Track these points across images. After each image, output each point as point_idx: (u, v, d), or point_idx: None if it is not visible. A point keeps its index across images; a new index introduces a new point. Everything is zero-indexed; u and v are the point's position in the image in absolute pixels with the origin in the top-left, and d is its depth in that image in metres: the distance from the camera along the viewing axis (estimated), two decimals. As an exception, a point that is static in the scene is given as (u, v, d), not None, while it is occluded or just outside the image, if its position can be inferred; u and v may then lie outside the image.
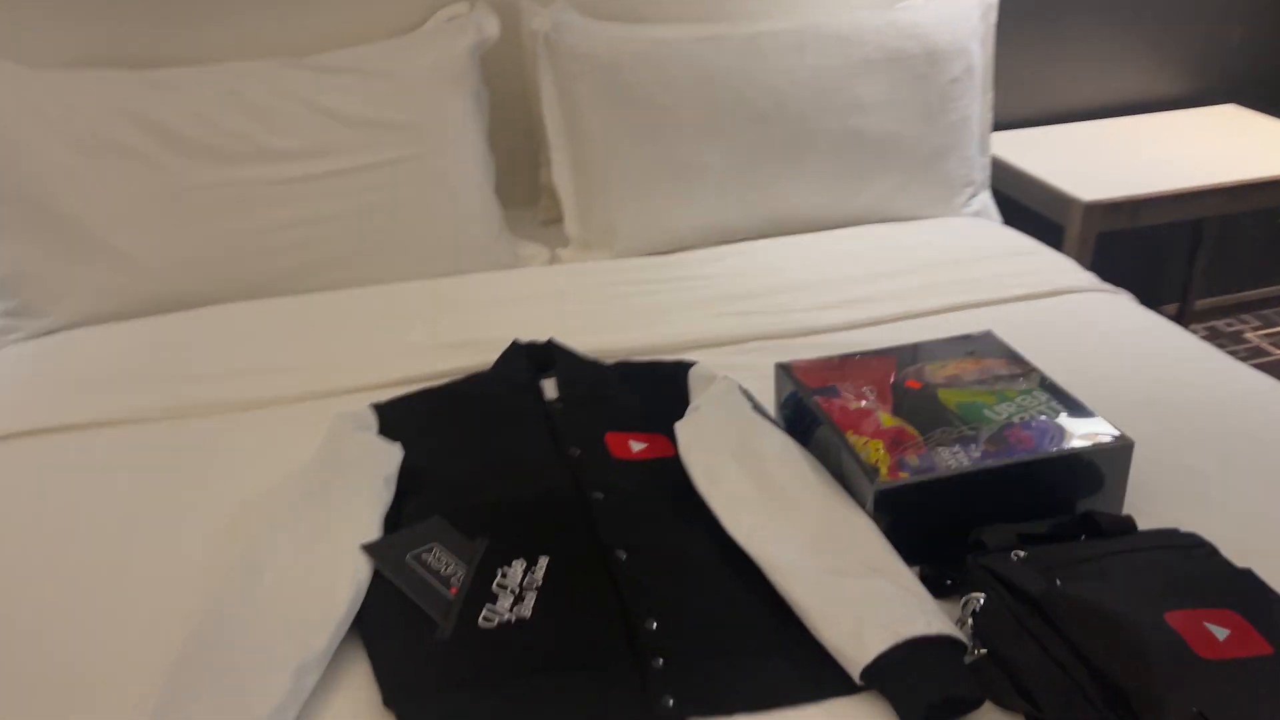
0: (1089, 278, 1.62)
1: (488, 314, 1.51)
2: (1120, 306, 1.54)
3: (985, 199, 1.90)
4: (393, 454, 1.12)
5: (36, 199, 1.49)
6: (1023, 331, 1.45)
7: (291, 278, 1.59)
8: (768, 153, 1.73)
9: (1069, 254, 1.93)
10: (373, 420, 1.21)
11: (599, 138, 1.70)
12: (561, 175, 1.76)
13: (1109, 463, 1.05)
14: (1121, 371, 1.36)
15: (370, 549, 0.98)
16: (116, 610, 0.98)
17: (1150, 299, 2.53)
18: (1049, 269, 1.63)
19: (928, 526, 1.03)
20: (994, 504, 1.03)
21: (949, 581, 0.99)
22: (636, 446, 1.19)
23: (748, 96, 1.70)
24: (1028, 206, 2.06)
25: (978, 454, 1.03)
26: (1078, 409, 1.09)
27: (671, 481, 1.10)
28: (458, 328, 1.47)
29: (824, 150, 1.75)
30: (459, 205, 1.66)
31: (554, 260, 1.77)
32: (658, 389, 1.29)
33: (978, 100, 1.86)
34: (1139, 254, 2.53)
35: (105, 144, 1.50)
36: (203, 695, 0.82)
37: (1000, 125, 2.22)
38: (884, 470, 1.02)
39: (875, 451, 1.04)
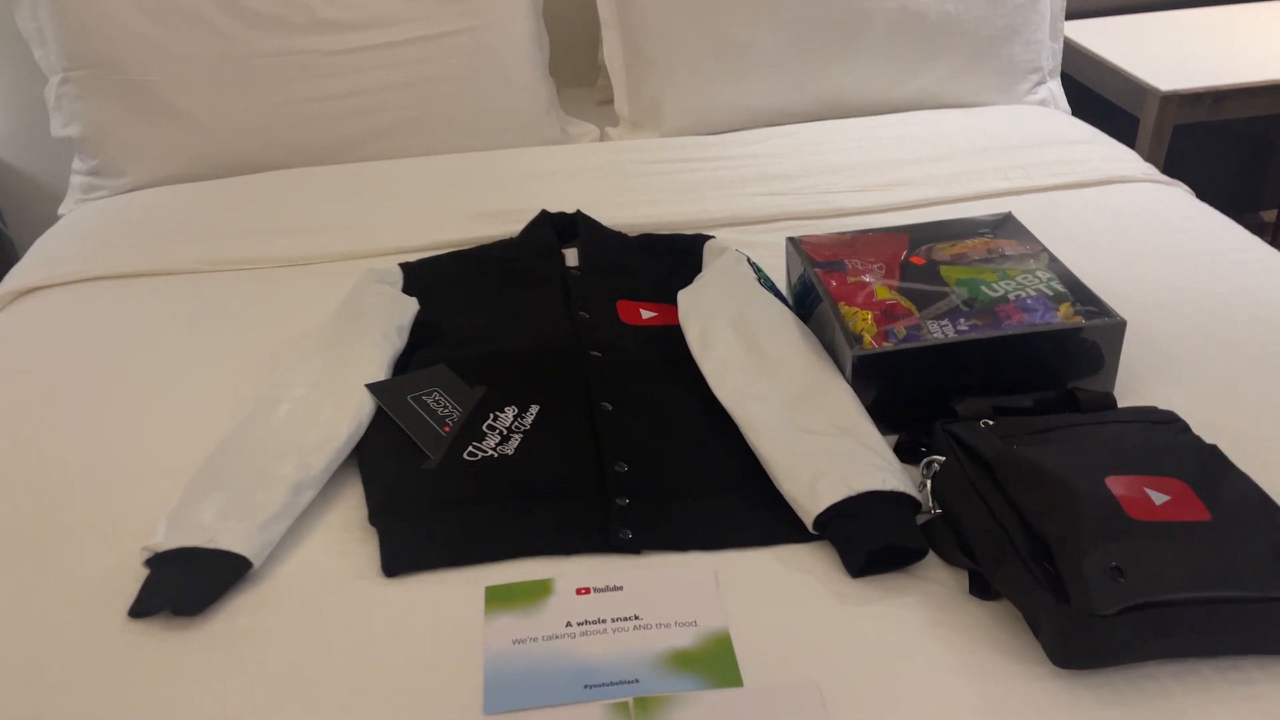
0: (1144, 168, 1.56)
1: (527, 186, 1.55)
2: (1173, 198, 1.49)
3: (1053, 88, 1.83)
4: (409, 305, 1.19)
5: (114, 63, 1.59)
6: (1057, 218, 1.42)
7: (345, 146, 1.66)
8: (820, 32, 1.70)
9: (1142, 148, 1.85)
10: (399, 277, 1.29)
11: (649, 13, 1.70)
12: (612, 53, 1.77)
13: (1099, 341, 1.04)
14: (1152, 260, 1.32)
15: (374, 387, 1.06)
16: (159, 432, 1.09)
17: (1247, 204, 2.41)
18: (1102, 157, 1.58)
19: (908, 395, 1.05)
20: (979, 376, 1.05)
21: (923, 449, 1.02)
22: (646, 314, 1.23)
23: (802, -28, 1.67)
24: (1101, 96, 1.97)
25: (965, 327, 1.04)
26: (1079, 290, 1.08)
27: (671, 346, 1.15)
28: (496, 198, 1.52)
29: (879, 30, 1.71)
30: (510, 81, 1.69)
31: (603, 138, 1.80)
32: (675, 261, 1.33)
33: (1051, -21, 1.78)
34: (1231, 155, 2.39)
35: (175, 10, 1.58)
36: (211, 500, 0.92)
37: (1078, 13, 2.12)
38: (867, 339, 1.04)
39: (862, 322, 1.06)
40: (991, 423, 0.97)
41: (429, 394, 1.07)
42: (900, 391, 1.05)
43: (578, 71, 2.02)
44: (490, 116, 1.70)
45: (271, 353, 1.22)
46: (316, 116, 1.64)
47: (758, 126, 1.76)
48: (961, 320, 1.05)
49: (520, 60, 1.70)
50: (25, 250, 1.54)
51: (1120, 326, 1.04)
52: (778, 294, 1.20)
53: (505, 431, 1.02)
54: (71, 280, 1.38)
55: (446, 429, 1.03)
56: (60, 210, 1.67)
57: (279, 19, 1.61)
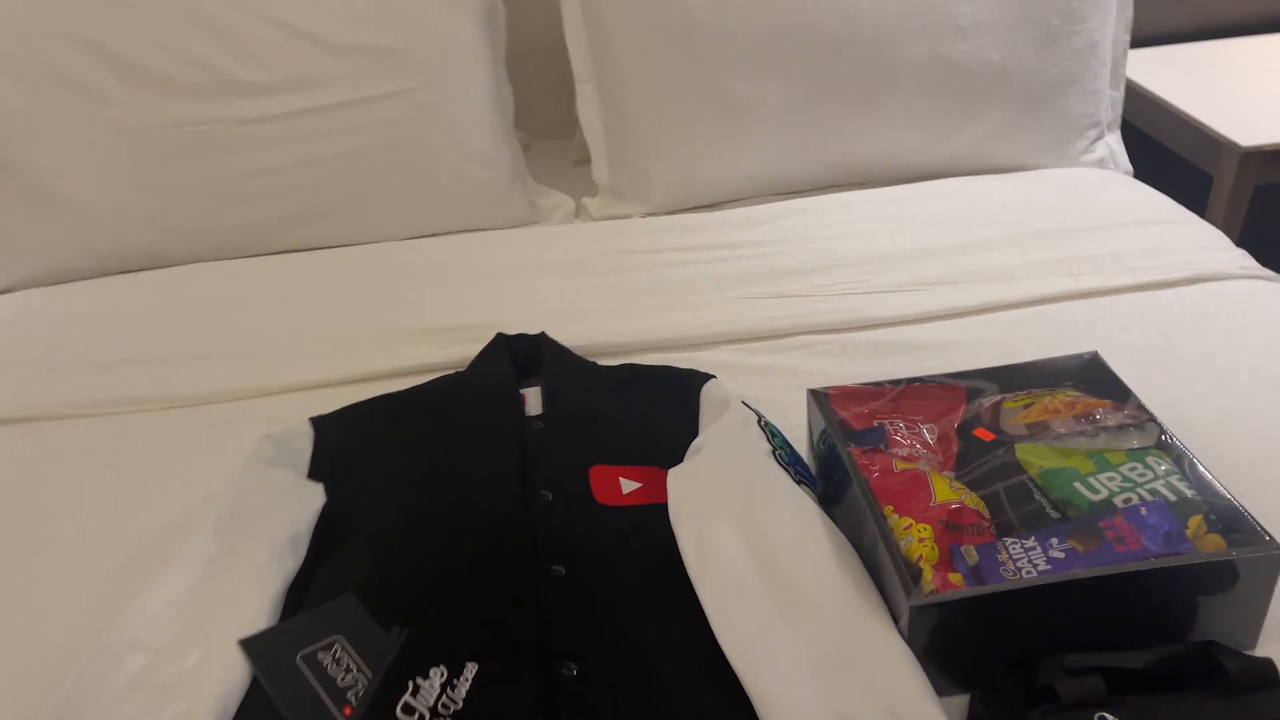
0: (1240, 259, 1.27)
1: (484, 288, 1.27)
2: None
3: (1112, 143, 1.55)
4: (309, 501, 0.90)
5: (-26, 140, 1.30)
6: (1138, 334, 1.14)
7: (263, 234, 1.37)
8: (836, 87, 1.41)
9: (1215, 212, 1.57)
10: (307, 442, 1.00)
11: (631, 66, 1.41)
12: (588, 112, 1.49)
13: (1248, 575, 0.76)
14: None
15: (251, 645, 0.78)
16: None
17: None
18: (1187, 244, 1.29)
19: (981, 648, 0.77)
20: (1078, 618, 0.77)
21: (1007, 730, 0.74)
22: (628, 486, 0.95)
23: (814, 16, 1.37)
24: (1164, 145, 1.68)
25: (1060, 553, 0.76)
26: (1208, 490, 0.80)
27: (663, 542, 0.86)
28: (445, 307, 1.23)
29: (907, 84, 1.41)
30: (464, 149, 1.40)
31: (579, 212, 1.51)
32: (665, 405, 1.04)
33: (1112, 17, 1.49)
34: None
35: (48, 74, 1.29)
36: None
37: (1137, 41, 1.82)
38: (928, 573, 0.76)
39: (919, 543, 0.78)
40: (1111, 719, 0.69)
41: (328, 649, 0.78)
42: (970, 642, 0.77)
43: (551, 120, 1.73)
44: (441, 193, 1.41)
45: (141, 549, 0.94)
46: (228, 199, 1.35)
47: (760, 197, 1.47)
48: (1055, 542, 0.77)
49: (476, 123, 1.41)
50: None
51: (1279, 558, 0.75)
52: (802, 472, 0.92)
53: (427, 717, 0.73)
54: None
55: (347, 711, 0.74)
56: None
57: (179, 82, 1.32)
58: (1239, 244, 1.33)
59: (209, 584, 0.83)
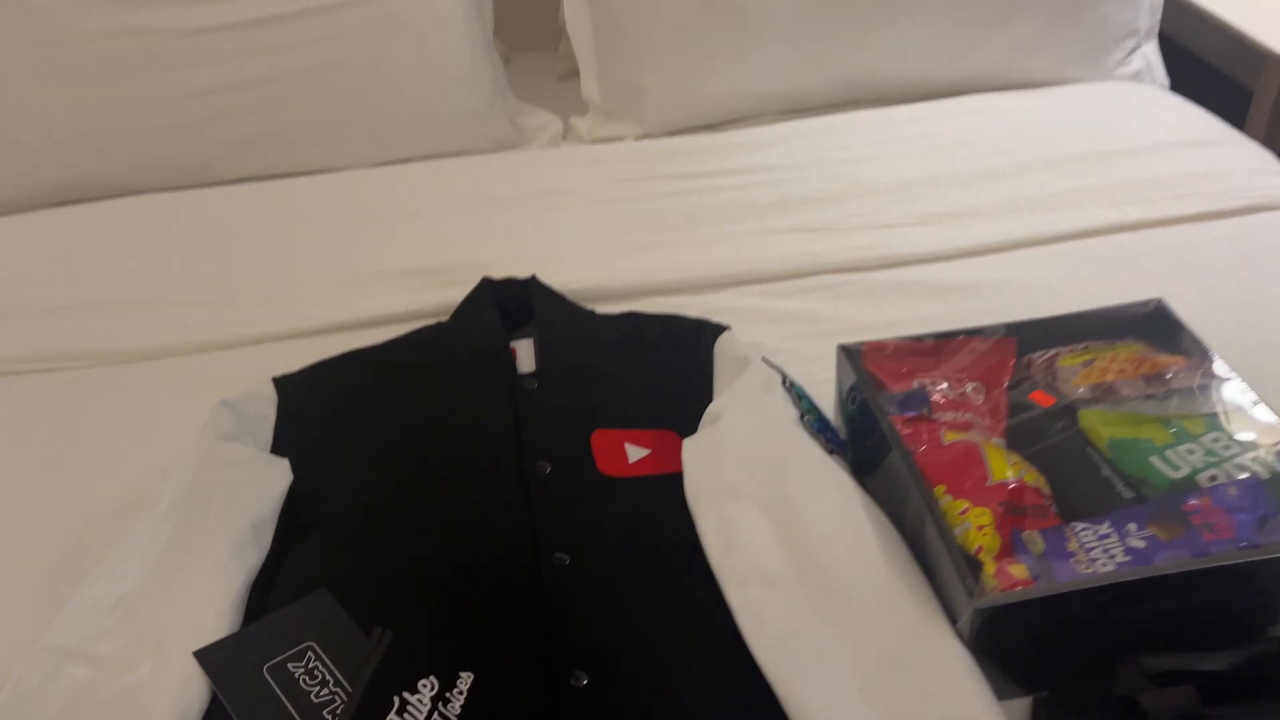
0: (1298, 184, 1.16)
1: (467, 222, 1.14)
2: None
3: (1150, 54, 1.41)
4: (273, 482, 0.79)
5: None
6: (1197, 278, 1.03)
7: (211, 161, 1.22)
8: (854, -8, 1.26)
9: (1253, 129, 1.45)
10: (270, 408, 0.88)
11: (624, -32, 1.26)
12: (575, 19, 1.33)
13: (1352, 565, 0.67)
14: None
15: (207, 658, 0.67)
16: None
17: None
18: (1237, 169, 1.17)
19: (1046, 648, 0.68)
20: (1157, 614, 0.67)
21: (1077, 738, 0.65)
22: (635, 453, 0.84)
23: (830, -89, 1.22)
24: (1199, 57, 1.55)
25: (1140, 541, 0.66)
26: (1304, 463, 0.70)
27: (678, 522, 0.76)
28: (421, 245, 1.10)
29: (932, -12, 1.27)
30: (436, 62, 1.25)
31: (567, 134, 1.37)
32: (674, 360, 0.93)
33: (1155, -88, 1.35)
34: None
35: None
36: None
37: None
38: (989, 566, 0.66)
39: (979, 531, 0.68)
40: (1206, 738, 0.60)
41: (299, 659, 0.68)
42: (1034, 642, 0.68)
43: (534, 29, 1.57)
44: (412, 114, 1.26)
45: (82, 528, 0.82)
46: (170, 122, 1.20)
47: (769, 116, 1.34)
48: (1133, 528, 0.67)
49: (451, 34, 1.25)
50: None
51: (1394, 550, 0.66)
52: (833, 439, 0.81)
53: (418, 737, 0.64)
54: None
55: (324, 733, 0.64)
56: None
57: (111, -15, 1.15)
58: (1283, 164, 1.22)
59: (160, 581, 0.72)
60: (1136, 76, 1.40)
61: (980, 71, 1.34)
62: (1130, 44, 1.37)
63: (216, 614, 0.69)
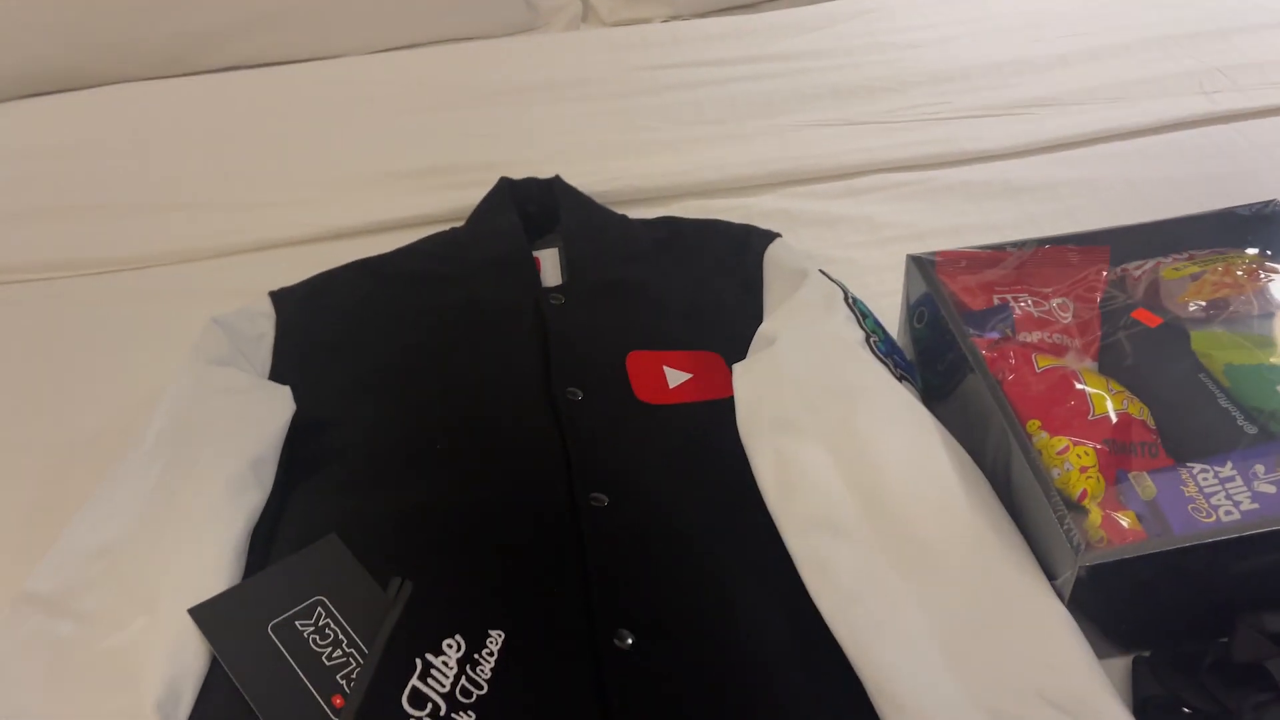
0: None
1: (476, 115, 1.03)
2: None
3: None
4: (275, 413, 0.70)
5: None
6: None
7: (194, 47, 1.11)
8: None
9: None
10: (268, 325, 0.79)
11: None
12: (597, -118, 1.19)
13: None
14: None
15: (204, 615, 0.59)
16: None
17: None
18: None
19: (1155, 605, 0.60)
20: (1277, 566, 0.59)
21: (1187, 710, 0.58)
22: (676, 378, 0.75)
23: None
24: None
25: (1270, 486, 0.58)
26: None
27: (729, 456, 0.68)
28: (428, 140, 1.00)
29: None
30: (443, -67, 1.12)
31: (587, 15, 1.24)
32: (718, 272, 0.83)
33: None
34: None
35: None
36: None
37: None
38: (1095, 515, 0.57)
39: (1082, 474, 0.59)
40: (1352, 717, 0.52)
41: (307, 615, 0.60)
42: (1141, 600, 0.60)
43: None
44: (417, -8, 1.14)
45: (64, 463, 0.74)
46: (148, 2, 1.08)
47: (812, -7, 1.21)
48: (1260, 470, 0.58)
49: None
50: None
51: None
52: (901, 363, 0.72)
53: (443, 708, 0.56)
54: None
55: (338, 702, 0.57)
56: None
57: None
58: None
59: (149, 526, 0.64)
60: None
61: (1050, -59, 1.20)
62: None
63: (213, 563, 0.62)
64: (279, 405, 0.71)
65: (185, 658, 0.58)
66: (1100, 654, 0.60)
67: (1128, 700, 0.59)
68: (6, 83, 1.09)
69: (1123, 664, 0.61)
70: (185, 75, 1.11)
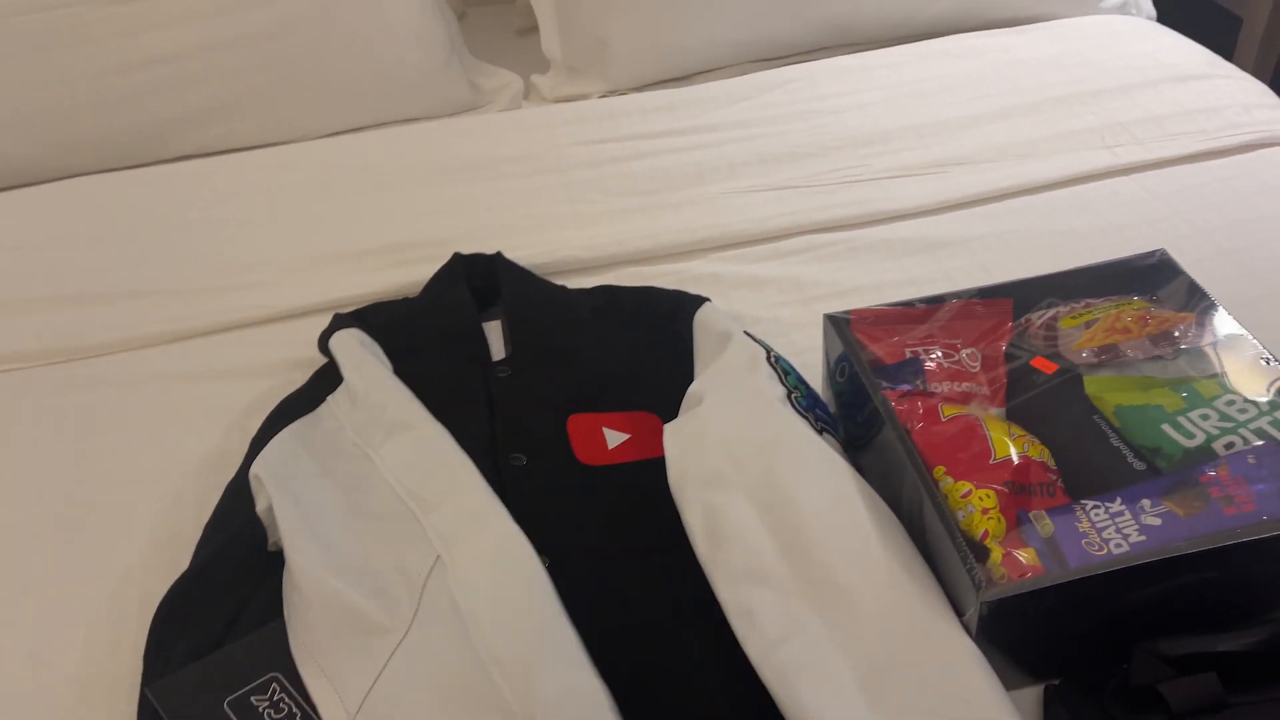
0: (1295, 117, 1.11)
1: (423, 194, 1.08)
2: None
3: (1135, -17, 1.35)
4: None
5: None
6: (1195, 224, 0.98)
7: (149, 139, 1.15)
8: (825, -71, 1.19)
9: (1243, 59, 1.39)
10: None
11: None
12: (532, -30, 1.26)
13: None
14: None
15: (161, 692, 0.62)
16: None
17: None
18: (1230, 103, 1.12)
19: (1057, 635, 0.64)
20: (1174, 594, 0.64)
21: (1093, 732, 0.62)
22: (615, 438, 0.79)
23: None
24: (1188, -14, 1.49)
25: (1155, 519, 0.62)
26: (1323, 424, 0.66)
27: (662, 512, 0.71)
28: (380, 220, 1.04)
29: (908, -77, 1.21)
30: (386, 22, 1.18)
31: (528, 93, 1.30)
32: (651, 336, 0.88)
33: None
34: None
35: None
36: None
37: None
38: (997, 554, 0.62)
39: (984, 515, 0.64)
40: (1235, 731, 0.56)
41: (262, 690, 0.63)
42: (1044, 630, 0.64)
43: (488, -19, 1.49)
44: (364, 78, 1.19)
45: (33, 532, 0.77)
46: (106, 97, 1.13)
47: (740, 65, 1.28)
48: (1147, 504, 0.63)
49: (400, -8, 1.18)
50: None
51: None
52: (823, 417, 0.76)
53: (395, 773, 0.59)
54: None
55: (292, 770, 0.60)
56: None
57: (26, -46, 1.07)
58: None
59: None
60: (1122, 8, 1.34)
61: (960, 9, 1.27)
62: (1114, -26, 1.31)
63: None
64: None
65: None
66: (1013, 684, 0.65)
67: (1038, 724, 0.63)
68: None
69: (1035, 692, 0.65)
70: (142, 166, 1.15)
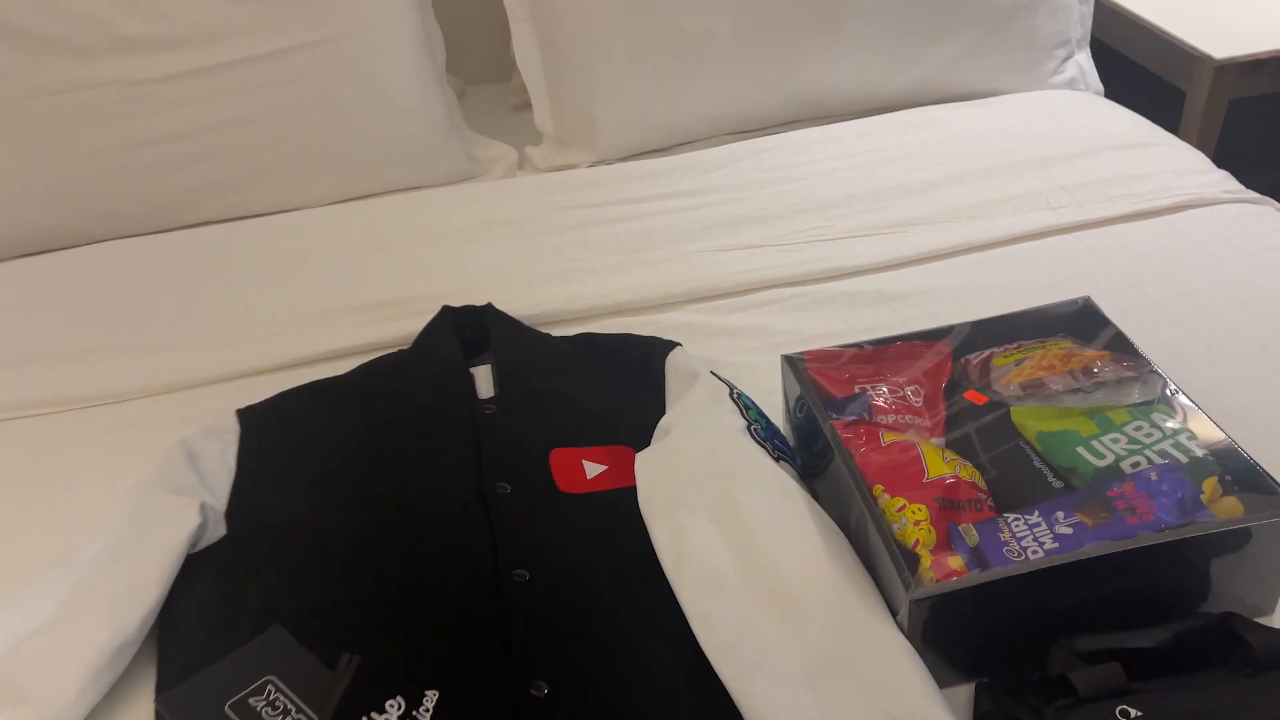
0: (1221, 180, 1.21)
1: (427, 254, 1.17)
2: (1270, 226, 1.14)
3: (1082, 62, 1.46)
4: (171, 538, 0.79)
5: None
6: (1127, 276, 1.07)
7: (170, 207, 1.25)
8: (791, 14, 1.31)
9: (1189, 129, 1.50)
10: (231, 439, 0.90)
11: (567, 2, 1.29)
12: (526, 54, 1.37)
13: (1267, 538, 0.70)
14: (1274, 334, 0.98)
15: (169, 701, 0.69)
16: None
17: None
18: (1167, 168, 1.22)
19: (985, 634, 0.71)
20: (1088, 596, 0.70)
21: (1017, 724, 0.68)
22: (593, 470, 0.87)
23: (765, -62, 1.27)
24: (1135, 63, 1.61)
25: (1067, 529, 0.70)
26: (1221, 449, 0.74)
27: (635, 533, 0.79)
28: (381, 278, 1.13)
29: (870, 8, 1.32)
30: (389, 100, 1.28)
31: (522, 164, 1.41)
32: (627, 378, 0.96)
33: (1079, -74, 1.40)
34: None
35: (-85, 41, 1.15)
36: None
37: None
38: (926, 560, 0.69)
39: (915, 526, 0.71)
40: (1135, 713, 0.63)
41: (259, 692, 0.70)
42: (975, 628, 0.71)
43: (486, 63, 1.61)
44: (369, 151, 1.29)
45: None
46: (128, 170, 1.23)
47: (716, 137, 1.38)
48: (1060, 516, 0.70)
49: (402, 71, 1.29)
50: None
51: (1300, 522, 0.69)
52: (780, 446, 0.84)
53: (385, 756, 0.66)
54: None
55: (291, 759, 0.67)
56: None
57: (66, 41, 1.18)
58: (1216, 162, 1.27)
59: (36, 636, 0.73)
60: (1071, 84, 1.45)
61: (920, 85, 1.38)
62: (1063, 53, 1.43)
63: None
64: (178, 526, 0.80)
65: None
66: (947, 681, 0.71)
67: (968, 718, 0.70)
68: (8, 244, 1.22)
69: (968, 689, 0.71)
70: (163, 232, 1.24)
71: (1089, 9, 1.45)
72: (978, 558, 0.69)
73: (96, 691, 0.71)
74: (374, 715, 0.68)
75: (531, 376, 0.95)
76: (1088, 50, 1.47)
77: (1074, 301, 0.90)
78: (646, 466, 0.82)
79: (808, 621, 0.70)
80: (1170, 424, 0.76)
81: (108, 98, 1.20)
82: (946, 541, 0.70)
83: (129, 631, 0.73)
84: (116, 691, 0.73)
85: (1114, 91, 1.49)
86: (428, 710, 0.68)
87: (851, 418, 0.81)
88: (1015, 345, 0.87)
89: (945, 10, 1.33)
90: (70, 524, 0.87)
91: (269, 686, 0.69)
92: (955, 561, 0.69)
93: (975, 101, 1.38)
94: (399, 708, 0.68)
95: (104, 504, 0.89)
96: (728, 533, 0.75)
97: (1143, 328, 0.97)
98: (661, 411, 0.91)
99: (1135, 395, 0.79)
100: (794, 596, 0.71)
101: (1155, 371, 0.81)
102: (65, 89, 1.19)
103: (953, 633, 0.70)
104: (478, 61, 1.58)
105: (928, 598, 0.67)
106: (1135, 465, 0.73)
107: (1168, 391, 0.79)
